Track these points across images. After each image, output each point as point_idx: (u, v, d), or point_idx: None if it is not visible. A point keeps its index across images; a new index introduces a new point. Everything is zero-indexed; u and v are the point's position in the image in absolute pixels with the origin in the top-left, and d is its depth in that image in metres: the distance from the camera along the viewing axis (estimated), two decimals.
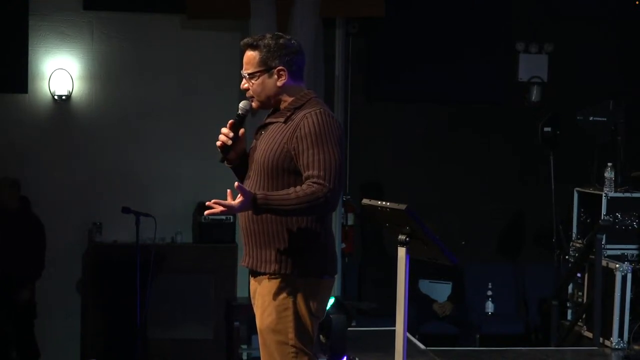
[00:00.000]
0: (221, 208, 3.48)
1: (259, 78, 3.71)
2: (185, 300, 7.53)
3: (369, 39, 7.93)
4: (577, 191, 6.74)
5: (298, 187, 3.52)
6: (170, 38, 7.70)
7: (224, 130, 3.71)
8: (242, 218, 3.71)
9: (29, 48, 7.46)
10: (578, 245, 6.61)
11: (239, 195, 3.46)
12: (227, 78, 7.58)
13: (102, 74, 7.64)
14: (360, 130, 7.84)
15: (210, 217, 7.43)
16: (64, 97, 7.52)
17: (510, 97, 8.01)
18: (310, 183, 3.52)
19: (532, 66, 8.05)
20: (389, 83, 7.88)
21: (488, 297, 7.73)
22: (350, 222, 7.81)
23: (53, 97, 7.52)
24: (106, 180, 7.60)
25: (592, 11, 8.01)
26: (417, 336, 6.40)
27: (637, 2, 7.93)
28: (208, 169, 7.47)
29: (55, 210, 7.37)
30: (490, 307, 7.72)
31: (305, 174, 3.55)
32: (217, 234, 7.59)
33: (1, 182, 7.11)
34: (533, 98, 8.05)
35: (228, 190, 3.52)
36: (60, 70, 7.50)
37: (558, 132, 7.12)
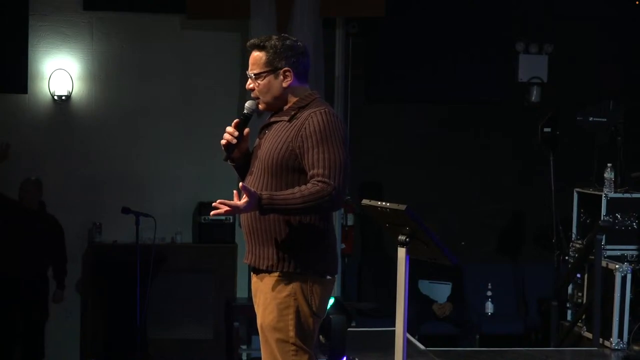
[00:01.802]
0: (226, 208, 3.50)
1: (265, 79, 3.72)
2: (185, 300, 7.53)
3: (369, 39, 7.93)
4: (577, 191, 6.74)
5: (303, 187, 3.54)
6: (170, 38, 7.70)
7: (229, 129, 3.73)
8: (243, 216, 3.72)
9: (29, 48, 7.47)
10: (578, 245, 6.62)
11: (244, 195, 3.47)
12: (227, 78, 7.58)
13: (102, 74, 7.64)
14: (360, 130, 7.84)
15: (211, 217, 7.51)
16: (64, 97, 7.53)
17: (510, 97, 8.01)
18: (315, 182, 3.54)
19: (532, 66, 8.05)
20: (389, 83, 7.88)
21: (488, 297, 7.73)
22: (350, 222, 7.81)
23: (53, 97, 7.52)
24: (106, 180, 7.60)
25: (592, 11, 8.02)
26: (417, 336, 6.40)
27: (637, 2, 7.93)
28: (208, 169, 7.49)
29: (55, 210, 7.36)
30: (490, 307, 7.72)
31: (310, 173, 3.57)
32: (217, 234, 7.60)
33: (26, 181, 7.13)
34: (533, 98, 8.05)
35: (234, 191, 3.53)
36: (60, 71, 7.51)
37: (558, 132, 7.12)
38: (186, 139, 7.71)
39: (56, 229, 7.21)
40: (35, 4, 7.49)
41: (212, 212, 3.57)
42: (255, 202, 3.49)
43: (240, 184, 3.53)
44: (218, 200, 3.51)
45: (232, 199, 3.54)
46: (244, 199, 3.48)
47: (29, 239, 7.02)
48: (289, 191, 3.54)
